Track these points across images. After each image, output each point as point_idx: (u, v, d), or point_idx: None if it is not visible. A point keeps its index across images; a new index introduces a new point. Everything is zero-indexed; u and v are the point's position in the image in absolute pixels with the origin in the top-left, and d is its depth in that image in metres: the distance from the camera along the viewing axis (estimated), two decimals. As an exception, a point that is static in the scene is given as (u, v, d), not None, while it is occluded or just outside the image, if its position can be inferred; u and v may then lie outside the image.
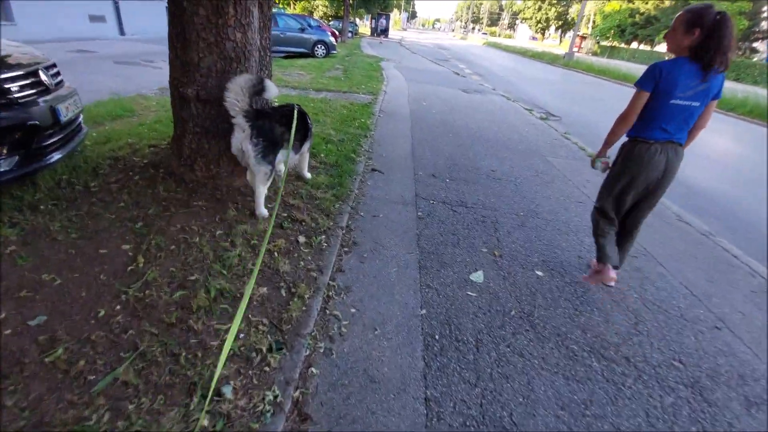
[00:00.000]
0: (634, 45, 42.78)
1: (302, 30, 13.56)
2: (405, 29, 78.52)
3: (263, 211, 2.64)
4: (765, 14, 27.88)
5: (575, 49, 31.29)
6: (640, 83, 2.04)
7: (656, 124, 2.06)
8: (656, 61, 2.03)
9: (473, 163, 4.68)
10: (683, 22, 1.94)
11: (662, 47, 36.33)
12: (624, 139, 2.26)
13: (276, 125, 2.57)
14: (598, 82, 17.34)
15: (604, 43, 43.63)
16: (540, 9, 64.19)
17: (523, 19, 71.14)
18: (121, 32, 15.62)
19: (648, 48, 40.78)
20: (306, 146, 3.14)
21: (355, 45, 22.59)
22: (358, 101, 7.15)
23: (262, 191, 2.60)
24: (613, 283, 2.47)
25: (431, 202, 3.49)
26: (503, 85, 12.34)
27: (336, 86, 8.35)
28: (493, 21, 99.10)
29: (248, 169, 2.67)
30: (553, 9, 62.40)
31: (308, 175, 3.41)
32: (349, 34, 29.12)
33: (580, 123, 8.09)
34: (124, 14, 15.56)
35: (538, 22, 65.93)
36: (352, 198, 3.25)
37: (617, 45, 42.45)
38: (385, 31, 35.35)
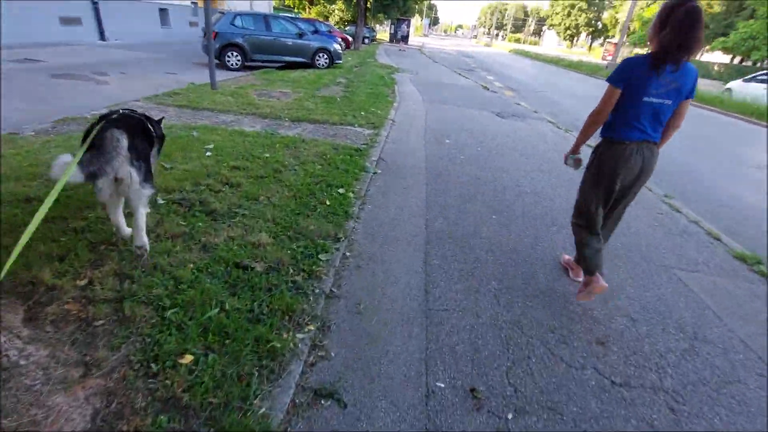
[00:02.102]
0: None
1: (301, 36, 11.31)
2: (426, 35, 76.14)
3: (146, 239, 2.09)
4: None
5: (609, 58, 28.09)
6: (612, 79, 1.92)
7: (630, 123, 1.95)
8: (629, 57, 1.93)
9: (553, 305, 2.21)
10: (658, 17, 1.81)
11: (712, 56, 32.65)
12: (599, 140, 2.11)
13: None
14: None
15: (640, 50, 40.17)
16: (569, 15, 60.82)
17: (551, 25, 67.70)
18: (102, 37, 13.75)
19: (695, 57, 37.05)
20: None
21: (370, 53, 20.32)
22: (348, 141, 4.78)
23: (144, 213, 2.05)
24: (603, 291, 2.13)
25: None
26: (545, 105, 9.76)
27: (324, 113, 6.00)
28: (518, 27, 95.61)
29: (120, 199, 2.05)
30: (584, 15, 58.98)
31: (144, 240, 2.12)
32: (366, 41, 26.99)
33: (669, 166, 5.45)
34: (105, 16, 13.66)
35: (567, 28, 62.49)
36: None
37: (657, 53, 38.74)
38: (405, 38, 33.13)
